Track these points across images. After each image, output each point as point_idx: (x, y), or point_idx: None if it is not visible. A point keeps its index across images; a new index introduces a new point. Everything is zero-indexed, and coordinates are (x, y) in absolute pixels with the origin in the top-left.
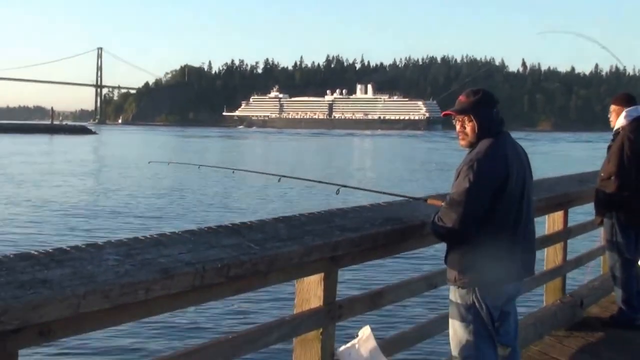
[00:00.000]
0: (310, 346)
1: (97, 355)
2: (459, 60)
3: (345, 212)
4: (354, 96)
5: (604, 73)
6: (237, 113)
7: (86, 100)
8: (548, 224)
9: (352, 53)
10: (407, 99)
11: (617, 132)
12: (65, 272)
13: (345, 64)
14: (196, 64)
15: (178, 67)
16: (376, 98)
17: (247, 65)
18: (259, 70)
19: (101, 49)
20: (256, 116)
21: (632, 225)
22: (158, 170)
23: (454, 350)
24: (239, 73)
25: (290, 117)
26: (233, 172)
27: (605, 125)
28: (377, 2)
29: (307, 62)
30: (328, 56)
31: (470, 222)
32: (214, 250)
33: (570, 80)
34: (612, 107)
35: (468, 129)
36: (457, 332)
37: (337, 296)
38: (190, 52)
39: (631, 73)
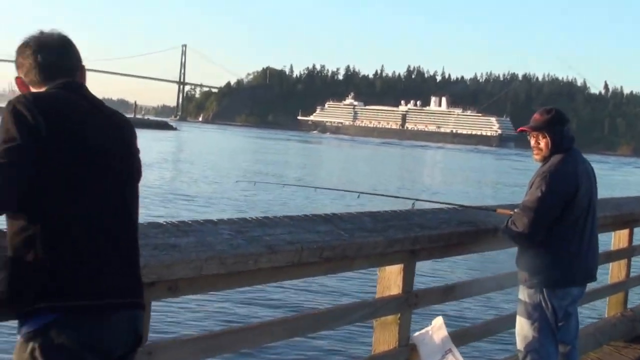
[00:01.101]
0: (389, 329)
1: (208, 315)
2: (540, 78)
3: (424, 212)
4: (427, 108)
5: None
6: (311, 118)
7: (168, 96)
8: (614, 240)
9: (433, 65)
10: (480, 114)
11: None
12: (190, 240)
13: (425, 75)
14: (278, 67)
15: (260, 69)
16: (450, 111)
17: (328, 70)
18: (340, 77)
19: (185, 46)
20: (330, 122)
21: None
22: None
23: (519, 345)
24: (320, 78)
25: (363, 124)
26: (315, 190)
27: None
28: (459, 17)
29: (388, 72)
30: (409, 66)
31: (540, 227)
32: (310, 234)
33: None
34: None
35: (542, 144)
36: (523, 328)
37: (414, 286)
38: (273, 54)
39: None
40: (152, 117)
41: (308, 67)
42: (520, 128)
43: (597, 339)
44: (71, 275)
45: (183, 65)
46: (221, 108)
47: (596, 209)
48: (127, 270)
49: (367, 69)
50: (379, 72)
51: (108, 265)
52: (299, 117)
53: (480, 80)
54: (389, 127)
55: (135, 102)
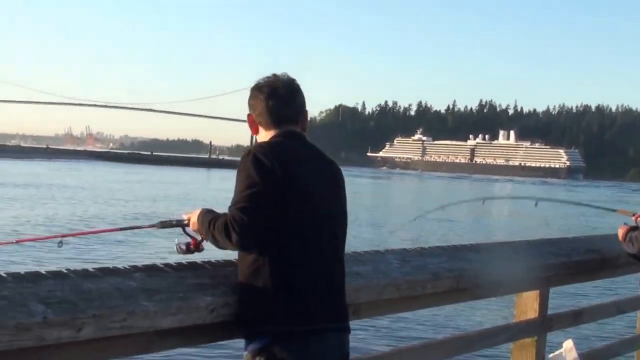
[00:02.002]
0: (526, 350)
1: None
2: (613, 109)
3: (556, 241)
4: (496, 142)
5: None
6: (381, 154)
7: (242, 135)
8: None
9: (505, 98)
10: (548, 147)
11: None
12: (368, 268)
13: (497, 108)
14: (351, 104)
15: (332, 107)
16: (518, 144)
17: (400, 107)
18: (412, 112)
19: None
20: (399, 157)
21: None
22: None
23: None
24: (392, 114)
25: (432, 159)
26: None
27: None
28: (529, 51)
29: (460, 106)
30: (481, 100)
31: None
32: (463, 262)
33: None
34: None
35: None
36: None
37: (548, 310)
38: (345, 91)
39: None
40: (226, 157)
41: (380, 104)
42: None
43: None
44: (294, 302)
45: None
46: None
47: None
48: (337, 298)
49: (439, 104)
50: (450, 106)
51: (323, 295)
52: (369, 154)
53: (553, 113)
54: (458, 161)
55: (210, 143)
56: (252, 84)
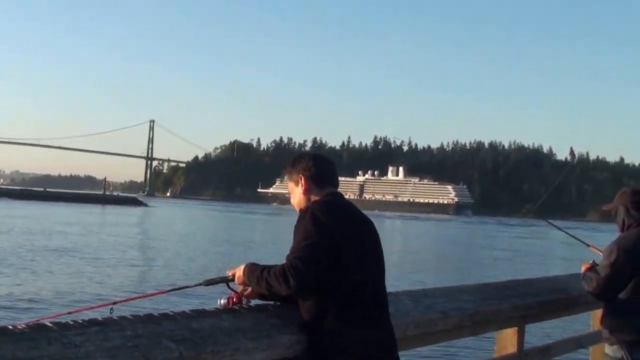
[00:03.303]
0: None
1: None
2: (506, 146)
3: (531, 281)
4: (385, 178)
5: None
6: (271, 190)
7: (136, 171)
8: None
9: (399, 135)
10: (437, 183)
11: None
12: (392, 309)
13: (392, 145)
14: (246, 140)
15: (228, 142)
16: (407, 180)
17: (295, 143)
18: (307, 148)
19: (153, 121)
20: (290, 194)
21: None
22: None
23: None
24: (287, 151)
25: None
26: None
27: None
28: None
29: (355, 142)
30: (375, 137)
31: (608, 289)
32: (462, 303)
33: (620, 171)
34: None
35: (617, 224)
36: None
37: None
38: (240, 127)
39: None
40: (121, 193)
41: (275, 140)
42: (605, 208)
43: None
44: (357, 337)
45: (150, 140)
46: (188, 183)
47: None
48: (390, 332)
49: (334, 141)
50: (345, 143)
51: (380, 330)
52: (259, 190)
53: (447, 149)
54: (347, 197)
55: (105, 179)
56: (146, 120)
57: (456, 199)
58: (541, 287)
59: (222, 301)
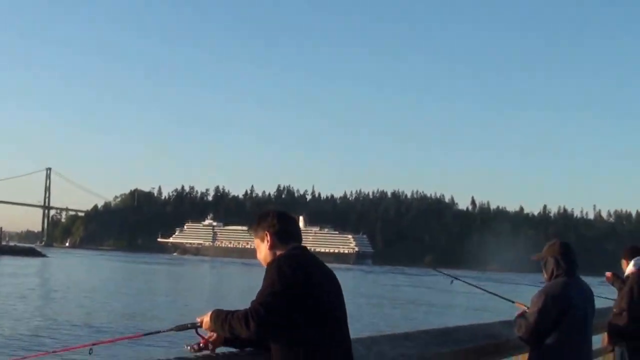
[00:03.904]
0: None
1: None
2: (409, 195)
3: (464, 328)
4: None
5: (552, 214)
6: (171, 240)
7: (33, 220)
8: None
9: (303, 184)
10: (337, 232)
11: (627, 277)
12: None
13: (295, 194)
14: (146, 188)
15: (128, 191)
16: (307, 229)
17: (197, 192)
18: (209, 198)
19: (50, 169)
20: (190, 243)
21: (638, 353)
22: None
23: None
24: (189, 200)
25: (223, 245)
26: None
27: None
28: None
29: (258, 191)
30: (279, 186)
31: (534, 334)
32: (404, 348)
33: (519, 221)
34: (623, 259)
35: (545, 273)
36: None
37: None
38: (141, 176)
39: (578, 215)
40: (18, 244)
41: (177, 189)
42: (534, 258)
43: None
44: None
45: (48, 189)
46: (88, 232)
47: (591, 321)
48: None
49: (237, 190)
50: (249, 192)
51: None
52: (159, 240)
53: (350, 199)
54: (249, 247)
55: (0, 229)
56: (44, 167)
57: (356, 249)
58: (474, 334)
59: (187, 347)
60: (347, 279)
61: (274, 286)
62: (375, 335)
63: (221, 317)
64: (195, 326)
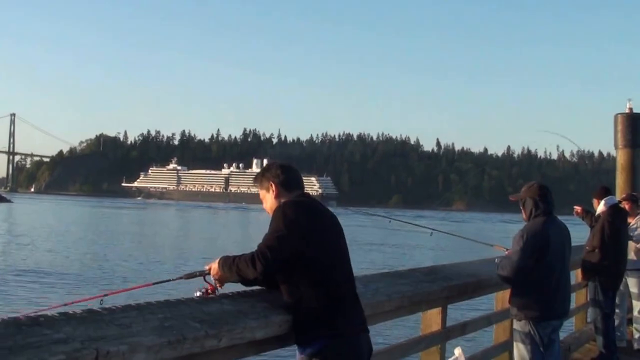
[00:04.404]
0: (433, 357)
1: None
2: (374, 137)
3: (450, 267)
4: (249, 170)
5: (515, 155)
6: (135, 184)
7: None
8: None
9: (269, 127)
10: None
11: (598, 216)
12: None
13: (262, 137)
14: (112, 134)
15: (93, 136)
16: None
17: (163, 136)
18: (176, 142)
19: (14, 114)
20: (154, 187)
21: (610, 287)
22: None
23: None
24: (155, 144)
25: (187, 189)
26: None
27: (516, 207)
28: (291, 79)
29: (224, 135)
30: (245, 129)
31: (518, 272)
32: (398, 286)
33: (483, 161)
34: (594, 198)
35: (524, 213)
36: (520, 351)
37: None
38: (106, 120)
39: (542, 156)
40: None
41: (143, 133)
42: (511, 198)
43: None
44: (336, 315)
45: (12, 134)
46: (53, 178)
47: (568, 258)
48: (360, 308)
49: (203, 133)
50: (215, 135)
51: (352, 306)
52: (123, 184)
53: (317, 141)
54: (213, 190)
55: None
56: (7, 113)
57: (320, 191)
58: (458, 272)
59: (197, 293)
60: None
61: (279, 229)
62: (369, 274)
63: (228, 262)
64: (204, 274)
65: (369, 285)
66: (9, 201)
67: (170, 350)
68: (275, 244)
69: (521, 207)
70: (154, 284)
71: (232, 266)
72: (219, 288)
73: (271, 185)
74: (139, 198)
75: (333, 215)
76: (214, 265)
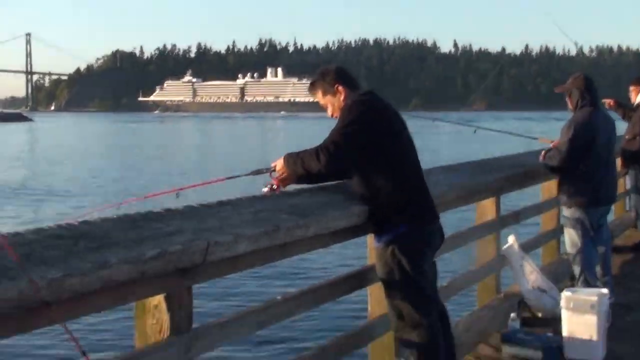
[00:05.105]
0: (489, 246)
1: None
2: (391, 42)
3: (499, 159)
4: (264, 79)
5: (534, 53)
6: (152, 98)
7: (16, 87)
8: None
9: (284, 37)
10: None
11: (637, 105)
12: None
13: (278, 47)
14: (128, 49)
15: (110, 52)
16: (286, 81)
17: (179, 49)
18: (192, 54)
19: (29, 34)
20: (171, 100)
21: None
22: None
23: (569, 249)
24: (172, 57)
25: (203, 100)
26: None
27: (538, 104)
28: None
29: (240, 46)
30: (260, 39)
31: (568, 161)
32: (455, 177)
33: (502, 60)
34: (632, 87)
35: (570, 104)
36: (571, 236)
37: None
38: (122, 36)
39: (560, 52)
40: (4, 110)
41: (159, 47)
42: (557, 88)
43: None
44: (411, 203)
45: (29, 54)
46: (72, 95)
47: (613, 149)
48: (430, 197)
49: (219, 45)
50: (230, 47)
51: (425, 195)
52: (140, 99)
53: (333, 48)
54: (229, 100)
55: None
56: (22, 33)
57: None
58: (508, 164)
59: (264, 189)
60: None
61: (345, 125)
62: (426, 168)
63: (293, 156)
64: (270, 170)
65: (429, 177)
66: (30, 120)
67: (267, 240)
68: (340, 139)
69: (567, 99)
70: (226, 179)
71: (296, 160)
72: (282, 188)
73: (337, 88)
74: (156, 112)
75: (399, 113)
76: (280, 161)
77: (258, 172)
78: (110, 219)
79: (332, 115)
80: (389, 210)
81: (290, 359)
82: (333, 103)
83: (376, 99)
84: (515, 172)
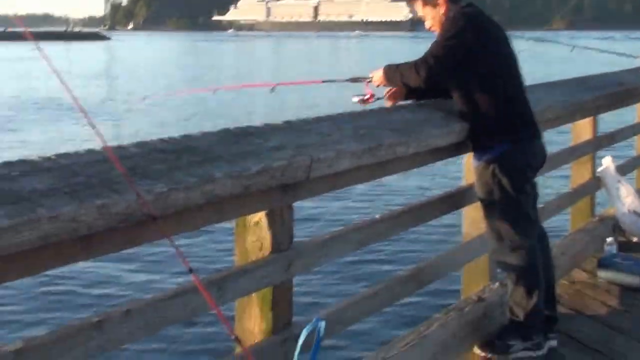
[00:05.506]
0: (584, 167)
1: None
2: None
3: (594, 77)
4: None
5: None
6: (226, 17)
7: (95, 6)
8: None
9: None
10: (389, 0)
11: None
12: None
13: None
14: None
15: None
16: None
17: None
18: None
19: None
20: (245, 20)
21: None
22: None
23: None
24: None
25: (276, 20)
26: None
27: (621, 23)
28: None
29: None
30: None
31: None
32: (555, 96)
33: None
34: None
35: None
36: None
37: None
38: None
39: None
40: (84, 29)
41: None
42: None
43: None
44: (513, 120)
45: None
46: (150, 14)
47: None
48: (533, 115)
49: None
50: None
51: (528, 112)
52: (214, 18)
53: None
54: (302, 20)
55: (66, 16)
56: None
57: (410, 15)
58: (606, 82)
59: (355, 98)
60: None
61: (447, 38)
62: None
63: (392, 68)
64: (367, 80)
65: (531, 95)
66: (107, 39)
67: (369, 157)
68: (440, 53)
69: None
70: (323, 81)
71: (395, 72)
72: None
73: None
74: (230, 31)
75: (502, 28)
76: (378, 72)
77: (355, 79)
78: (211, 133)
79: (429, 29)
80: (490, 127)
81: (387, 278)
82: (433, 15)
83: (480, 12)
84: (614, 90)
